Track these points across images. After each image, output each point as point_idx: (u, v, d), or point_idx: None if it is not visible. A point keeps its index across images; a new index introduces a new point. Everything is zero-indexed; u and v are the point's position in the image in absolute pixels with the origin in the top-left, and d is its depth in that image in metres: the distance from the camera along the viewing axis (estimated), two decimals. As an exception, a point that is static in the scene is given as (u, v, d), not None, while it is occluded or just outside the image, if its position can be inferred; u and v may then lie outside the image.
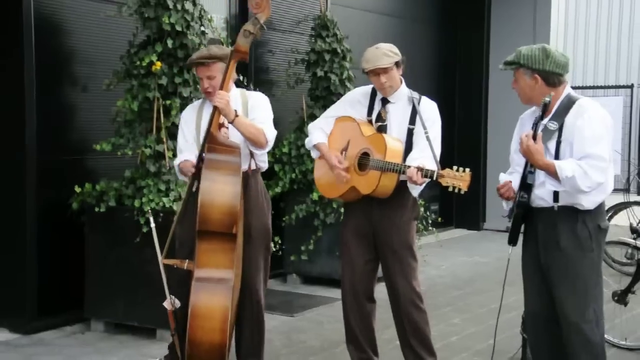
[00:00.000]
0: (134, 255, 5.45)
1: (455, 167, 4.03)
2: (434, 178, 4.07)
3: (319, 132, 4.62)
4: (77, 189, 5.63)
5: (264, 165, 4.62)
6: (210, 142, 4.15)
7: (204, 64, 4.40)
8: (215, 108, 4.18)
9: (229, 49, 4.33)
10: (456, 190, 4.00)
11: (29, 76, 5.56)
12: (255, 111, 4.46)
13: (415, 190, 4.41)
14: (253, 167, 4.48)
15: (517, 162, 4.00)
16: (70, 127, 5.98)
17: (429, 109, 4.48)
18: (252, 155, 4.44)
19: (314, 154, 4.68)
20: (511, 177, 3.99)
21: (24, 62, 5.53)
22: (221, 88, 4.19)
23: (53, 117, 5.82)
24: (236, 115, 4.23)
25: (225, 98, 4.16)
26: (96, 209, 5.51)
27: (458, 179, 3.99)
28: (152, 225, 4.33)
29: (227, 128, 4.35)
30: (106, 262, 5.61)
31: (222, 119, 4.31)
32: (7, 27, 5.60)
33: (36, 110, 5.61)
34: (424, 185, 4.27)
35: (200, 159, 4.20)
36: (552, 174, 3.67)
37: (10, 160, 5.67)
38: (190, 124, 4.54)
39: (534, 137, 3.68)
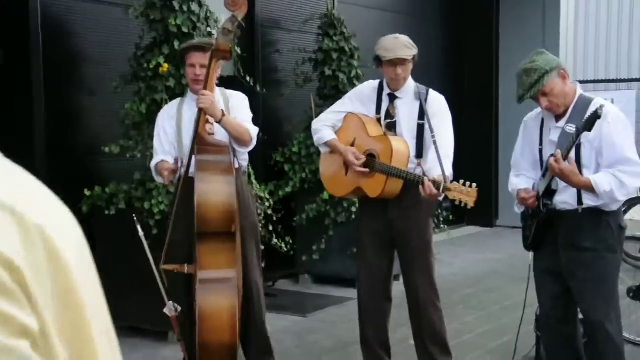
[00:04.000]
0: (145, 258, 5.41)
1: (462, 182, 4.00)
2: (441, 191, 4.04)
3: (327, 129, 4.58)
4: (87, 192, 5.63)
5: (245, 164, 4.58)
6: (199, 143, 4.12)
7: (204, 49, 4.29)
8: (199, 111, 4.11)
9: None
10: (462, 205, 3.99)
11: (37, 79, 5.57)
12: (237, 111, 4.41)
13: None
14: (236, 165, 4.41)
15: (524, 167, 3.97)
16: (79, 130, 5.98)
17: (437, 103, 4.43)
18: (234, 153, 4.37)
19: (324, 150, 4.64)
20: (521, 181, 3.95)
21: (32, 66, 5.54)
22: (205, 88, 4.12)
23: (61, 121, 5.82)
24: (223, 115, 4.18)
25: (210, 98, 4.09)
26: (106, 212, 5.51)
27: (465, 194, 3.97)
28: (141, 233, 4.27)
29: (212, 124, 4.27)
30: (117, 265, 5.60)
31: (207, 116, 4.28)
32: (15, 31, 5.61)
33: (45, 113, 5.61)
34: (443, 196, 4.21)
35: (189, 162, 4.15)
36: (589, 189, 3.64)
37: (19, 164, 5.65)
38: (169, 126, 4.45)
39: (565, 157, 3.59)
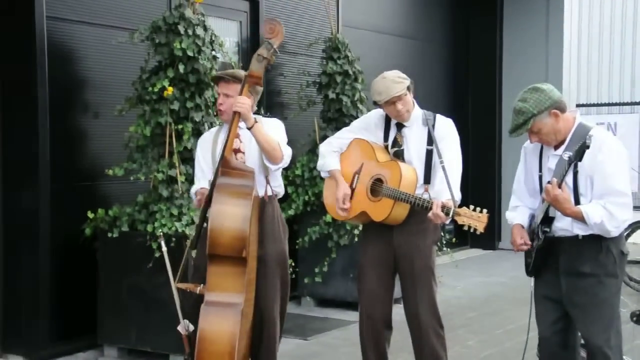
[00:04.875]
0: (147, 281, 5.44)
1: (472, 207, 4.02)
2: (450, 215, 4.06)
3: (333, 156, 4.60)
4: (90, 215, 5.64)
5: (280, 191, 4.60)
6: (224, 166, 4.15)
7: (224, 80, 4.43)
8: (229, 129, 4.18)
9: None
10: (472, 230, 4.00)
11: (42, 102, 5.60)
12: (270, 132, 4.45)
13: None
14: (269, 192, 4.47)
15: (523, 194, 3.99)
16: (83, 152, 6.00)
17: (445, 127, 4.46)
18: (267, 181, 4.44)
19: (325, 175, 4.67)
20: (517, 215, 3.97)
21: (37, 89, 5.57)
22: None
23: (66, 143, 5.84)
24: (255, 121, 4.24)
25: (247, 103, 4.16)
26: (109, 235, 5.52)
27: (475, 219, 3.99)
28: (164, 249, 4.32)
29: (244, 153, 4.37)
30: (119, 287, 5.61)
31: (238, 145, 4.32)
32: (20, 54, 5.65)
33: (49, 136, 5.64)
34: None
35: (214, 184, 4.19)
36: (580, 219, 3.67)
37: (23, 187, 5.69)
38: (207, 151, 4.55)
39: (559, 185, 3.63)
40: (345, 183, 4.51)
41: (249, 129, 4.23)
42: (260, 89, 4.50)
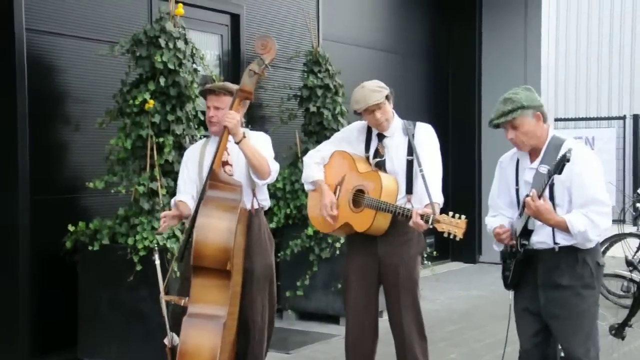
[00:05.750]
0: (128, 294, 5.41)
1: (451, 214, 4.05)
2: (430, 223, 4.09)
3: (316, 167, 4.62)
4: (71, 228, 5.61)
5: (267, 204, 4.64)
6: (212, 179, 4.18)
7: (214, 93, 4.45)
8: (218, 143, 4.21)
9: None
10: (451, 237, 4.03)
11: (22, 114, 5.57)
12: (258, 147, 4.47)
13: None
14: (256, 206, 4.49)
15: (501, 207, 4.02)
16: (64, 165, 5.98)
17: (424, 134, 4.50)
18: (254, 194, 4.46)
19: (309, 187, 4.68)
20: (497, 219, 4.00)
21: (17, 101, 5.55)
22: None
23: (46, 156, 5.82)
24: (244, 136, 4.26)
25: (236, 118, 4.21)
26: (90, 248, 5.49)
27: (454, 225, 4.03)
28: (157, 262, 4.28)
29: (231, 166, 4.39)
30: (100, 301, 5.57)
31: (226, 157, 4.35)
32: (0, 66, 5.62)
33: (29, 148, 5.61)
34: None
35: (202, 197, 4.20)
36: (563, 229, 3.69)
37: (3, 199, 5.65)
38: (193, 163, 4.56)
39: (540, 197, 3.65)
40: (330, 191, 4.52)
41: (237, 143, 4.26)
42: (248, 102, 4.52)
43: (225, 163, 4.38)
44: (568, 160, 3.54)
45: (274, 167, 4.43)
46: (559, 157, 3.61)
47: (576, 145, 3.83)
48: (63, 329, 5.78)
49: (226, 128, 4.19)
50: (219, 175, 4.21)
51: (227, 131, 4.20)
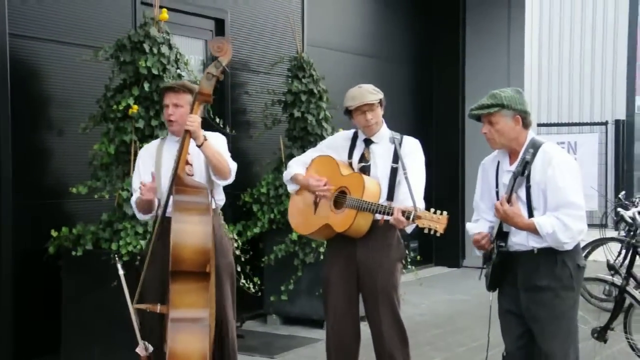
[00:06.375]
0: (111, 299, 5.38)
1: (432, 210, 4.07)
2: (411, 219, 4.10)
3: (298, 166, 4.68)
4: (54, 233, 5.59)
5: (221, 204, 4.66)
6: (178, 184, 4.19)
7: (173, 90, 4.45)
8: (180, 148, 4.21)
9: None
10: (432, 233, 4.05)
11: (4, 119, 5.55)
12: (218, 148, 4.48)
13: (408, 228, 4.40)
14: (213, 206, 4.48)
15: (483, 210, 4.05)
16: (47, 170, 5.96)
17: (411, 145, 4.56)
18: (212, 194, 4.46)
19: (291, 187, 4.71)
20: (478, 225, 4.03)
21: (-1, 106, 5.53)
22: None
23: (29, 161, 5.80)
24: (205, 139, 4.27)
25: (197, 121, 4.22)
26: (73, 253, 5.47)
27: (435, 221, 4.04)
28: (121, 272, 4.26)
29: (192, 165, 4.39)
30: (83, 306, 5.55)
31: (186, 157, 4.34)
32: (-18, 72, 5.60)
33: (12, 153, 5.59)
34: (413, 226, 4.28)
35: (167, 203, 4.21)
36: (533, 231, 3.72)
37: (-15, 205, 5.63)
38: (149, 163, 4.53)
39: (509, 200, 3.70)
40: (307, 175, 4.58)
41: (199, 146, 4.27)
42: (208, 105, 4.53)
43: (185, 162, 4.35)
44: (527, 162, 3.61)
45: (233, 167, 4.48)
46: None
47: (552, 147, 3.86)
48: (46, 335, 5.75)
49: (188, 132, 4.21)
50: (184, 180, 4.23)
51: (188, 135, 4.21)
